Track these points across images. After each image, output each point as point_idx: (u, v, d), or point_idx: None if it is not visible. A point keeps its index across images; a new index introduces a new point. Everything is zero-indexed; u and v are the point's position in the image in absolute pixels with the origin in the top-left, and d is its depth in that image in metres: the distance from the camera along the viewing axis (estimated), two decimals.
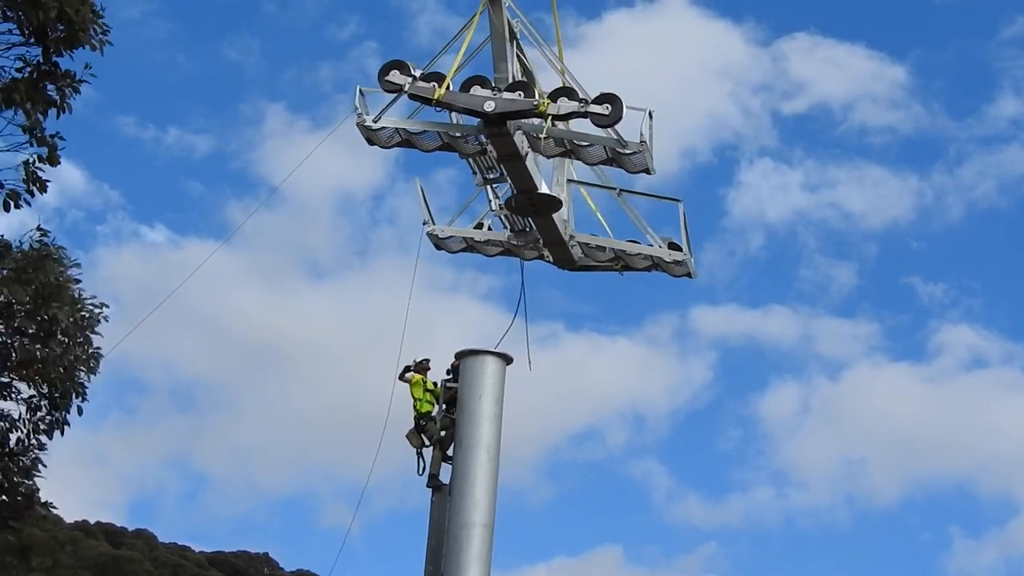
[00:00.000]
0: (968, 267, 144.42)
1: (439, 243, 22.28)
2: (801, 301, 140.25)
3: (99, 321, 21.83)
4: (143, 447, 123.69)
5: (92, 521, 71.16)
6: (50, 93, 19.09)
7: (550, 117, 18.73)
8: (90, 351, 21.42)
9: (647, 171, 19.50)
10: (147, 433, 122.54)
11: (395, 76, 19.10)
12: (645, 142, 19.00)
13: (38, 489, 21.68)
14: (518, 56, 20.52)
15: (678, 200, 21.68)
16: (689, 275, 21.88)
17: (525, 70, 20.53)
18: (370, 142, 19.87)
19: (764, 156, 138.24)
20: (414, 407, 20.37)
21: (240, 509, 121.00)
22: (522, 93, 18.83)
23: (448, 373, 20.41)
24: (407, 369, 20.61)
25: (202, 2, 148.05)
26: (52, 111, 19.00)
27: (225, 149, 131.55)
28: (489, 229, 22.27)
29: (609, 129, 19.00)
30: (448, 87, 19.00)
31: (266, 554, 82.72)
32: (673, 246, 21.78)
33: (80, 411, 21.65)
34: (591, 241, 21.77)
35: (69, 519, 69.26)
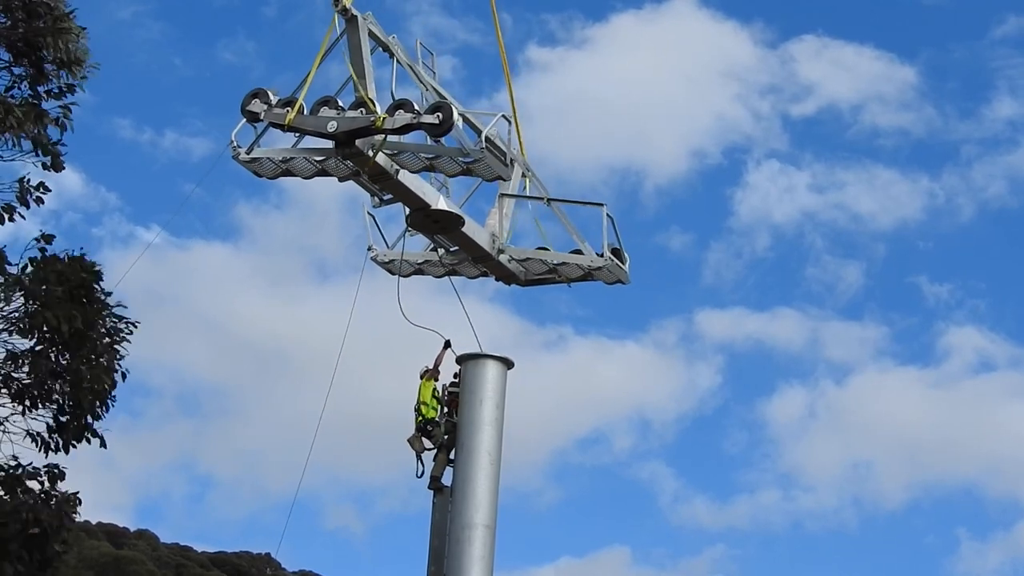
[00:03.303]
0: (974, 268, 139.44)
1: (388, 268, 21.82)
2: (808, 302, 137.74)
3: (130, 333, 22.96)
4: (149, 450, 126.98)
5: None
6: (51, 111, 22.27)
7: (387, 132, 17.99)
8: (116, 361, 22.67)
9: (501, 178, 18.41)
10: (153, 436, 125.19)
11: (255, 105, 18.82)
12: (485, 148, 17.90)
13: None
14: (417, 76, 19.95)
15: (601, 204, 20.51)
16: (621, 281, 20.58)
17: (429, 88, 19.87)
18: (257, 174, 19.66)
19: (772, 158, 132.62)
20: (418, 411, 20.10)
21: (245, 512, 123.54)
22: (363, 110, 18.17)
23: (455, 376, 20.19)
24: (428, 372, 20.41)
25: (193, 2, 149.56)
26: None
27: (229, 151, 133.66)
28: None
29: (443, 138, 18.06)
30: (301, 110, 18.61)
31: (268, 554, 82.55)
32: (616, 253, 20.71)
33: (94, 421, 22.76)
34: (520, 254, 20.76)
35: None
